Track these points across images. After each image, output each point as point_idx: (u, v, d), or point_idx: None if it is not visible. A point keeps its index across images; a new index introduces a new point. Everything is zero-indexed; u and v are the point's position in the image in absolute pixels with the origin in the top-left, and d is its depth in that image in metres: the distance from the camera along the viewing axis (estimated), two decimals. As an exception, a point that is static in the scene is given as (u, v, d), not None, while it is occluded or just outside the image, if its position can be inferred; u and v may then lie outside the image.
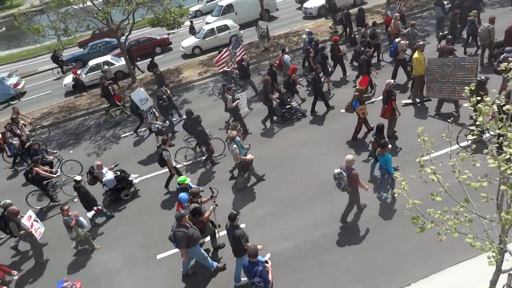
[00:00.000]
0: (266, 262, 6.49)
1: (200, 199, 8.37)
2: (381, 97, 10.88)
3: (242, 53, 15.84)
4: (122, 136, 15.58)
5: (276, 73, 14.30)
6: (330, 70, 14.67)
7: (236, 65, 15.61)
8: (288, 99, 13.38)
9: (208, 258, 8.12)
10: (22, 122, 15.72)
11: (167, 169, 11.03)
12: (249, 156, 10.21)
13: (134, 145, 14.54)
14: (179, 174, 10.78)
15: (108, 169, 11.02)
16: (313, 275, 7.68)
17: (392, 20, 15.84)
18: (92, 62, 22.61)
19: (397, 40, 13.24)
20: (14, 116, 15.45)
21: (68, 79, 22.38)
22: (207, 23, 25.78)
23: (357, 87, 11.00)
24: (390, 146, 8.67)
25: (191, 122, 11.47)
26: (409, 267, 7.40)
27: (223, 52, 15.56)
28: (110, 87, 17.15)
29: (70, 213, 9.01)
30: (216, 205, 8.42)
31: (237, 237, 7.01)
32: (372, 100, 12.25)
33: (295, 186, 10.19)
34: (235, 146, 9.87)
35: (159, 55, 24.35)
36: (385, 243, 8.02)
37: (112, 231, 10.29)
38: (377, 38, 15.00)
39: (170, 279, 8.38)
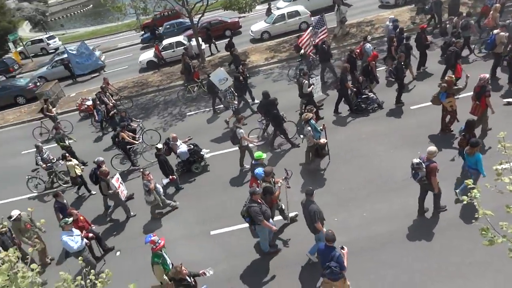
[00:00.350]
0: (343, 248, 6.34)
1: (273, 179, 8.36)
2: (470, 93, 10.04)
3: (325, 35, 15.41)
4: (192, 113, 16.08)
5: (355, 61, 13.81)
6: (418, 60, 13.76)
7: (314, 50, 15.27)
8: (366, 89, 12.89)
9: (268, 241, 8.14)
10: (109, 91, 16.88)
11: (237, 148, 11.17)
12: (322, 140, 10.01)
13: (207, 122, 14.98)
14: (251, 153, 10.93)
15: (182, 142, 11.48)
16: (366, 272, 7.40)
17: (491, 12, 14.41)
18: (165, 42, 23.59)
19: (495, 31, 12.11)
20: (104, 85, 16.64)
21: (144, 56, 23.55)
22: (278, 8, 25.61)
23: (446, 78, 10.23)
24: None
25: (267, 104, 11.44)
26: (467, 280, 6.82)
27: (305, 33, 15.17)
28: (190, 63, 17.74)
29: (150, 178, 9.52)
30: (289, 187, 8.38)
31: (312, 213, 7.01)
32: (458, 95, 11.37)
33: (355, 180, 9.85)
34: (309, 128, 9.76)
35: (228, 38, 24.61)
36: (447, 250, 7.49)
37: (182, 202, 10.73)
38: (470, 30, 13.83)
39: (221, 255, 8.51)
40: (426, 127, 11.01)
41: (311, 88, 12.22)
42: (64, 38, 41.16)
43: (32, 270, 3.74)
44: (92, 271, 4.08)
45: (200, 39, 21.23)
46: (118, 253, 9.48)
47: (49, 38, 35.72)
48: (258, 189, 7.67)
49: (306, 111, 10.62)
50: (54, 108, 18.33)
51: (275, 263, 8.10)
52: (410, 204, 8.43)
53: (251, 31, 23.84)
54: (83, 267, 4.37)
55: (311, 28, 15.57)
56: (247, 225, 8.21)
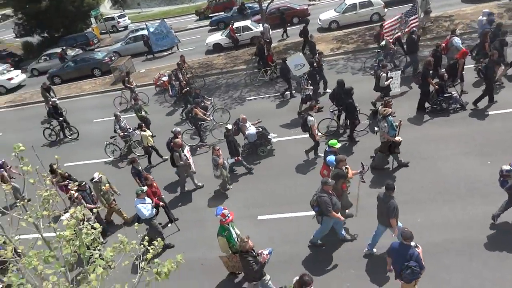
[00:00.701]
0: (417, 246, 6.02)
1: (346, 170, 8.10)
2: None
3: (415, 24, 14.62)
4: (251, 98, 16.22)
5: (441, 56, 13.02)
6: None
7: (395, 41, 14.63)
8: (450, 87, 12.09)
9: (323, 234, 8.01)
10: (184, 69, 17.45)
11: (307, 135, 11.05)
12: (398, 138, 9.55)
13: (276, 107, 14.99)
14: (317, 143, 10.78)
15: (251, 124, 11.60)
16: (431, 274, 7.00)
17: None
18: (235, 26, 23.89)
19: None
20: (180, 62, 17.29)
21: (211, 39, 24.11)
22: (349, -3, 24.60)
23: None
24: None
25: (342, 92, 11.18)
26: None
27: (392, 19, 14.49)
28: (265, 46, 17.80)
29: (219, 153, 9.88)
30: (363, 181, 8.21)
31: (392, 208, 6.78)
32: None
33: (419, 182, 9.37)
34: (385, 124, 9.36)
35: (295, 25, 24.32)
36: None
37: (237, 183, 10.97)
38: None
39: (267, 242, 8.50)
40: (506, 135, 10.13)
41: (389, 81, 11.71)
42: (140, 16, 43.43)
43: (95, 229, 4.05)
44: (146, 237, 4.31)
45: (267, 24, 21.15)
46: (169, 225, 9.93)
47: (120, 16, 37.79)
48: (330, 181, 7.51)
49: (383, 102, 10.16)
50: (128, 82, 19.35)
51: (324, 256, 8.02)
52: (481, 211, 8.02)
53: (320, 19, 23.31)
54: (144, 233, 4.55)
55: (400, 16, 14.80)
56: (299, 214, 8.20)
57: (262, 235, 8.78)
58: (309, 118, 10.41)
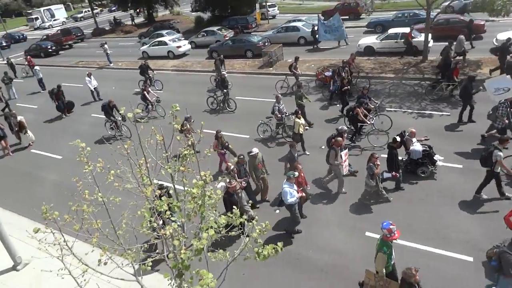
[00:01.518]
0: None
1: None
2: None
3: None
4: (410, 111, 15.05)
5: None
6: None
7: None
8: None
9: None
10: (351, 67, 17.28)
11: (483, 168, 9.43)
12: None
13: (448, 127, 13.28)
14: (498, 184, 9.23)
15: (417, 140, 10.74)
16: None
17: None
18: (391, 31, 22.69)
19: None
20: (346, 60, 17.39)
21: (364, 41, 23.38)
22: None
23: None
24: None
25: None
26: None
27: None
28: (454, 58, 16.34)
29: (377, 162, 9.36)
30: None
31: None
32: None
33: None
34: None
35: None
36: None
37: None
38: None
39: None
40: None
41: None
42: (299, 8, 44.80)
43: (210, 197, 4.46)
44: (254, 221, 4.41)
45: (462, 36, 19.18)
46: (277, 211, 10.23)
47: (270, 6, 39.44)
48: None
49: None
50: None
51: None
52: None
53: (496, 39, 20.19)
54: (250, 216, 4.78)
55: None
56: (430, 249, 7.58)
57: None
58: (497, 152, 8.88)
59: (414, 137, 10.61)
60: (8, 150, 16.23)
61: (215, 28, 31.86)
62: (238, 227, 4.47)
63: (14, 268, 9.37)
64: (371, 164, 9.34)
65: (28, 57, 29.88)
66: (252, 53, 25.97)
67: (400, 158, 10.39)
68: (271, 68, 22.81)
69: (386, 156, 10.14)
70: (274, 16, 38.87)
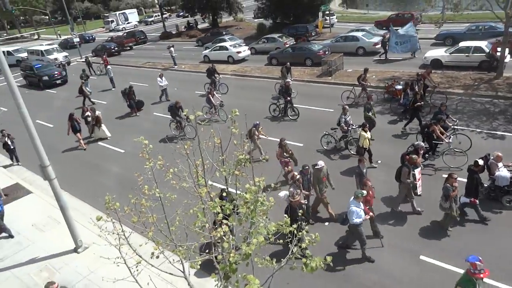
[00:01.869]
0: None
1: None
2: None
3: None
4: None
5: None
6: None
7: None
8: None
9: None
10: (426, 81, 16.42)
11: None
12: None
13: None
14: None
15: (504, 165, 9.91)
16: None
17: None
18: (463, 44, 21.28)
19: None
20: (421, 73, 16.81)
21: (431, 53, 22.19)
22: None
23: None
24: None
25: None
26: None
27: None
28: None
29: (455, 184, 8.72)
30: None
31: None
32: None
33: None
34: None
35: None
36: None
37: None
38: None
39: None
40: None
41: None
42: (362, 17, 43.74)
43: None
44: (304, 231, 4.42)
45: (507, 50, 17.82)
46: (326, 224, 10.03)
47: (329, 14, 38.68)
48: None
49: None
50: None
51: None
52: None
53: None
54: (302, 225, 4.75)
55: None
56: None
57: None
58: None
59: (500, 161, 9.71)
60: (82, 144, 17.42)
61: (276, 35, 32.18)
62: (287, 236, 4.44)
63: (75, 250, 10.12)
64: (448, 185, 8.68)
65: (104, 56, 32.27)
66: (312, 61, 25.78)
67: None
68: (330, 78, 22.47)
69: (465, 180, 9.39)
70: (332, 25, 38.26)
